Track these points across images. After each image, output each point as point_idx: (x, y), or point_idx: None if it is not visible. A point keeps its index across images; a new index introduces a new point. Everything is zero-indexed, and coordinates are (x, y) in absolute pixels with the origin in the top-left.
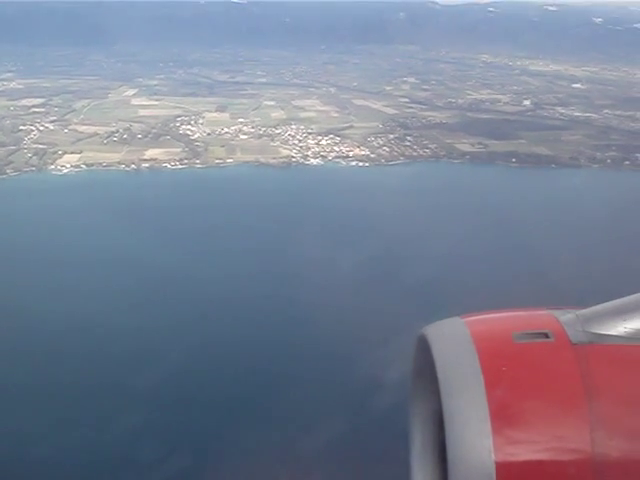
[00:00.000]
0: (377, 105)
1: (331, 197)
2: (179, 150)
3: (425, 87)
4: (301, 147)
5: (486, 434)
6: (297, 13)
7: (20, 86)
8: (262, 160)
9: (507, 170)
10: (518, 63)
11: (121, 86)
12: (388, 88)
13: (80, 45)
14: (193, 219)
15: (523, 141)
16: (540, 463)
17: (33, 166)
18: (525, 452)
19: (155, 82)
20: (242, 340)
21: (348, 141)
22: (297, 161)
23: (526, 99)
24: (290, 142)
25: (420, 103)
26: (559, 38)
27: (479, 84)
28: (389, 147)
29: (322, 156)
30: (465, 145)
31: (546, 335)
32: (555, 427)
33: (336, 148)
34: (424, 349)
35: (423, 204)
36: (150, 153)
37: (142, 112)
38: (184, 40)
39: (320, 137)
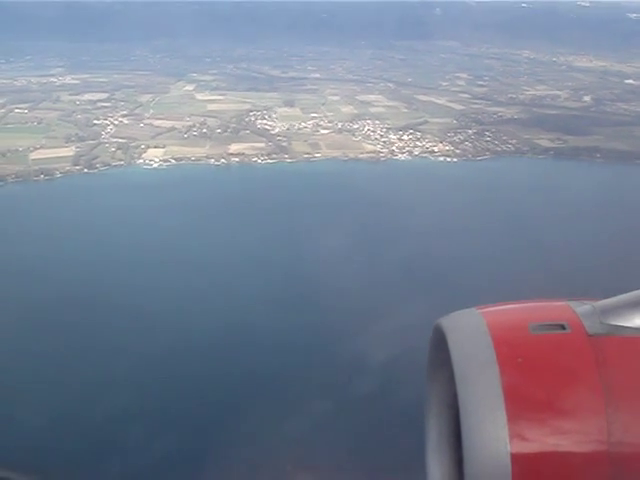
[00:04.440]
0: (441, 101)
1: (445, 191)
2: (263, 145)
3: (480, 83)
4: (384, 142)
5: (502, 425)
6: (333, 9)
7: (76, 81)
8: (350, 155)
9: (597, 166)
10: (562, 59)
11: (178, 81)
12: (444, 84)
13: (121, 41)
14: (316, 214)
15: (599, 137)
16: (556, 454)
17: (121, 160)
18: (541, 443)
19: (210, 77)
20: None
21: (428, 136)
22: (385, 156)
23: (584, 95)
24: (372, 137)
25: (482, 99)
26: (597, 34)
27: (532, 80)
28: (471, 142)
29: (408, 151)
30: (544, 141)
31: (562, 326)
32: (571, 418)
33: (419, 143)
34: (440, 340)
35: (544, 200)
36: (235, 148)
37: (210, 107)
38: (223, 36)
39: (400, 132)
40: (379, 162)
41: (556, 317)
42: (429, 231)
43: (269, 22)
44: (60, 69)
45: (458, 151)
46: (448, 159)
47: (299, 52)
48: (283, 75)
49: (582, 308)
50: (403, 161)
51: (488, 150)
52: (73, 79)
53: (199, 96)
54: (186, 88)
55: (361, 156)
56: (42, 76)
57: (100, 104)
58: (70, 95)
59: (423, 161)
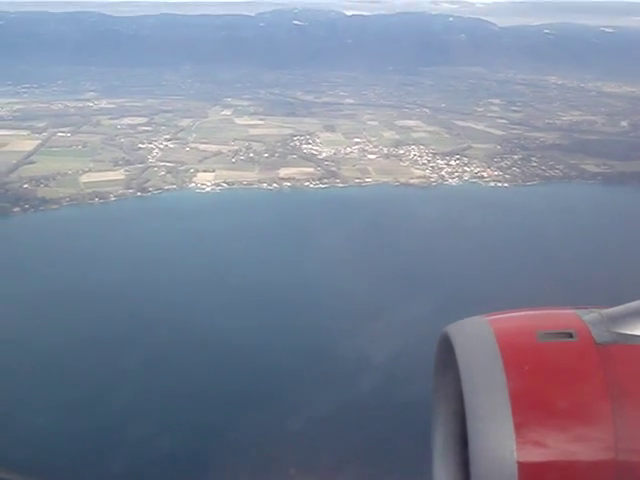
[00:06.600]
0: (480, 126)
1: (509, 216)
2: (312, 170)
3: (514, 108)
4: (432, 167)
5: (509, 433)
6: (358, 35)
7: (112, 105)
8: (401, 180)
9: None
10: (590, 85)
11: (214, 106)
12: (479, 109)
13: (150, 65)
14: (393, 239)
15: None
16: (563, 463)
17: (172, 184)
18: (548, 452)
19: (246, 102)
20: None
21: (475, 162)
22: (436, 182)
23: (621, 120)
24: (419, 162)
25: (520, 124)
26: (622, 59)
27: (565, 105)
28: (518, 168)
29: (457, 177)
30: (590, 166)
31: (570, 335)
32: (578, 427)
33: (467, 169)
34: (447, 347)
35: (612, 226)
36: (284, 172)
37: (252, 131)
38: (248, 61)
39: (447, 158)
40: (431, 187)
41: (564, 325)
42: (512, 256)
43: (293, 47)
44: (93, 93)
45: (507, 176)
46: (499, 184)
47: (327, 77)
48: (317, 100)
49: (590, 316)
50: (455, 186)
51: (537, 175)
52: (109, 103)
53: (238, 121)
54: (224, 113)
55: (412, 181)
56: (77, 100)
57: (141, 128)
58: (110, 119)
59: (475, 186)
